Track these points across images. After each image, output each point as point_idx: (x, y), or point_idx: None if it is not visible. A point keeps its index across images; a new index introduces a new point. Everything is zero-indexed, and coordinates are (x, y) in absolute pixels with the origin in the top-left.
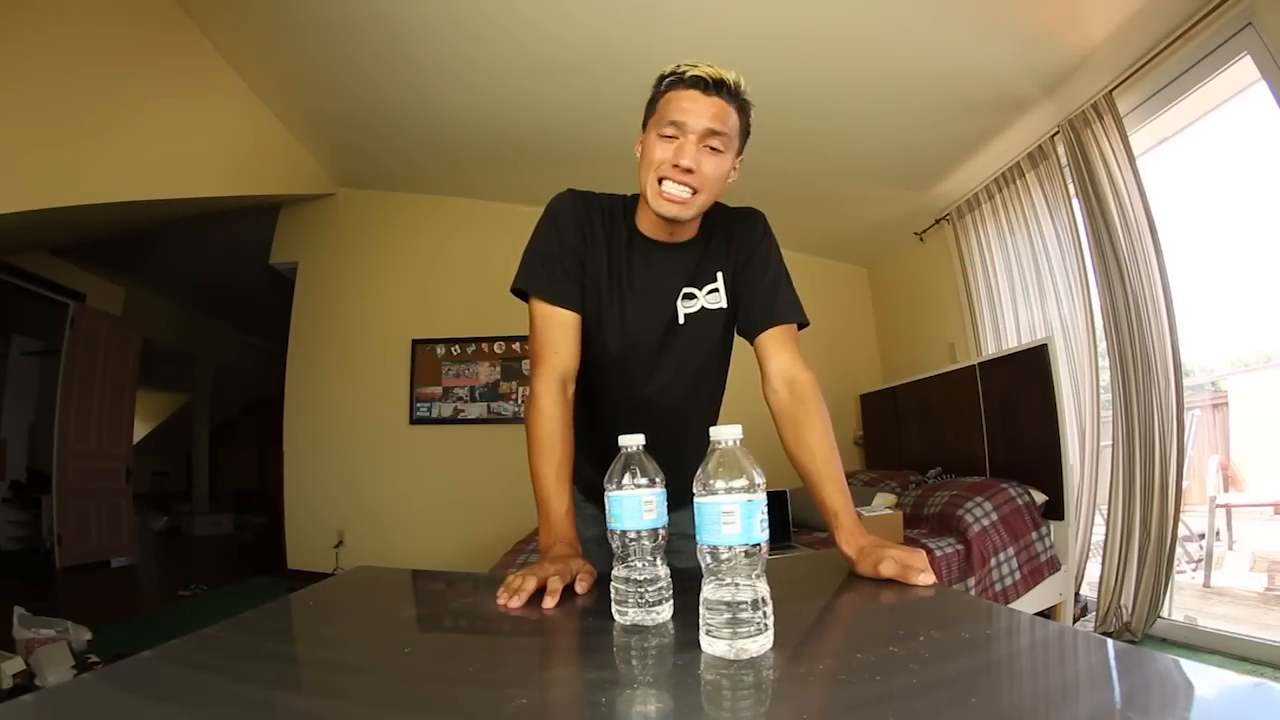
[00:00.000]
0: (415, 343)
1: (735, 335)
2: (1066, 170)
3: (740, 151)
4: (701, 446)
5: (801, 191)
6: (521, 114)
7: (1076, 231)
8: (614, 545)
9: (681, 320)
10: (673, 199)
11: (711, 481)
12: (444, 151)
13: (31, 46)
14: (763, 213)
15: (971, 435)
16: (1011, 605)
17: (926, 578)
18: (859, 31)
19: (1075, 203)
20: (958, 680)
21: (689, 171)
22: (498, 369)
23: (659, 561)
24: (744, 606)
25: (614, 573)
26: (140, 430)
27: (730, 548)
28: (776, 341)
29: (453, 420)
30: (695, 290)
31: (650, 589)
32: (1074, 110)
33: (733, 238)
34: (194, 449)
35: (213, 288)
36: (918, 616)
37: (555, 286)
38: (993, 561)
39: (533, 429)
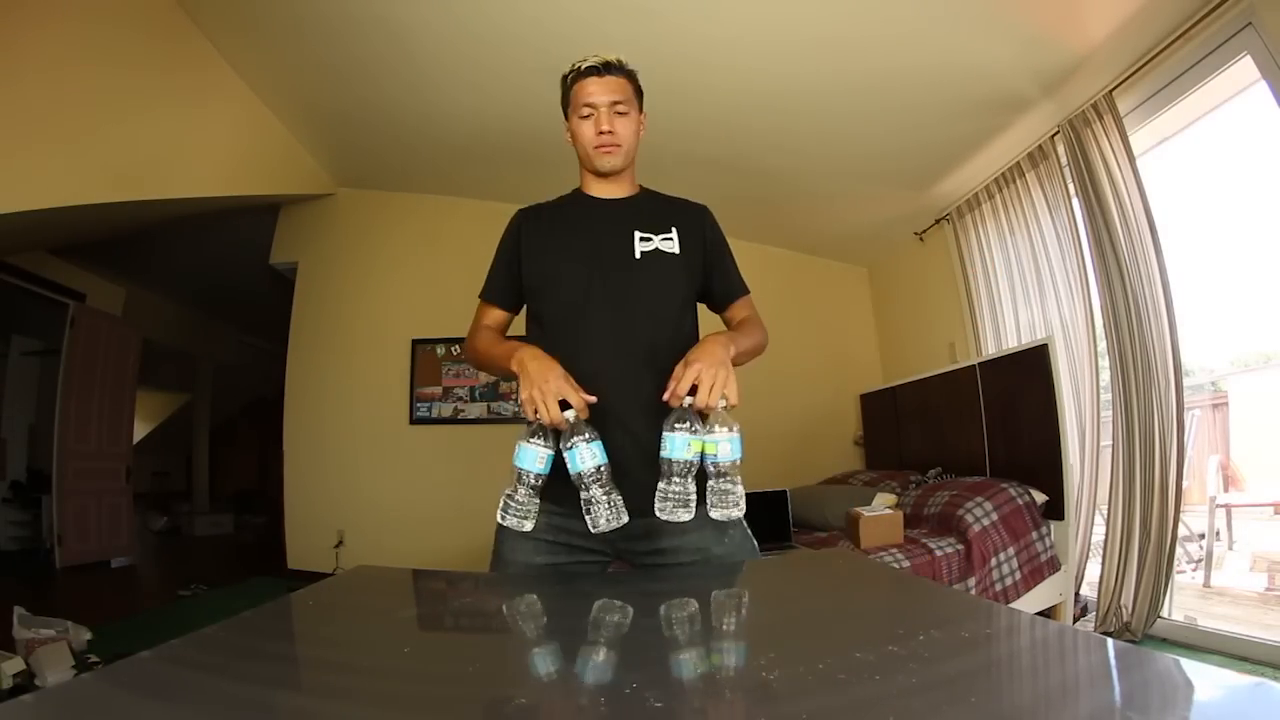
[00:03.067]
0: (415, 343)
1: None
2: (1066, 170)
3: (641, 109)
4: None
5: (802, 191)
6: (523, 113)
7: (1076, 231)
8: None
9: (638, 255)
10: (606, 151)
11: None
12: (445, 151)
13: (31, 46)
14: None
15: (971, 435)
16: (1012, 605)
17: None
18: (859, 32)
19: (1075, 203)
20: (958, 680)
21: (610, 133)
22: None
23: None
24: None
25: (582, 496)
26: (140, 430)
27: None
28: (739, 311)
29: (453, 420)
30: (650, 235)
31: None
32: (1074, 110)
33: (688, 216)
34: (194, 449)
35: (213, 288)
36: (918, 616)
37: (489, 286)
38: (993, 561)
39: (470, 340)
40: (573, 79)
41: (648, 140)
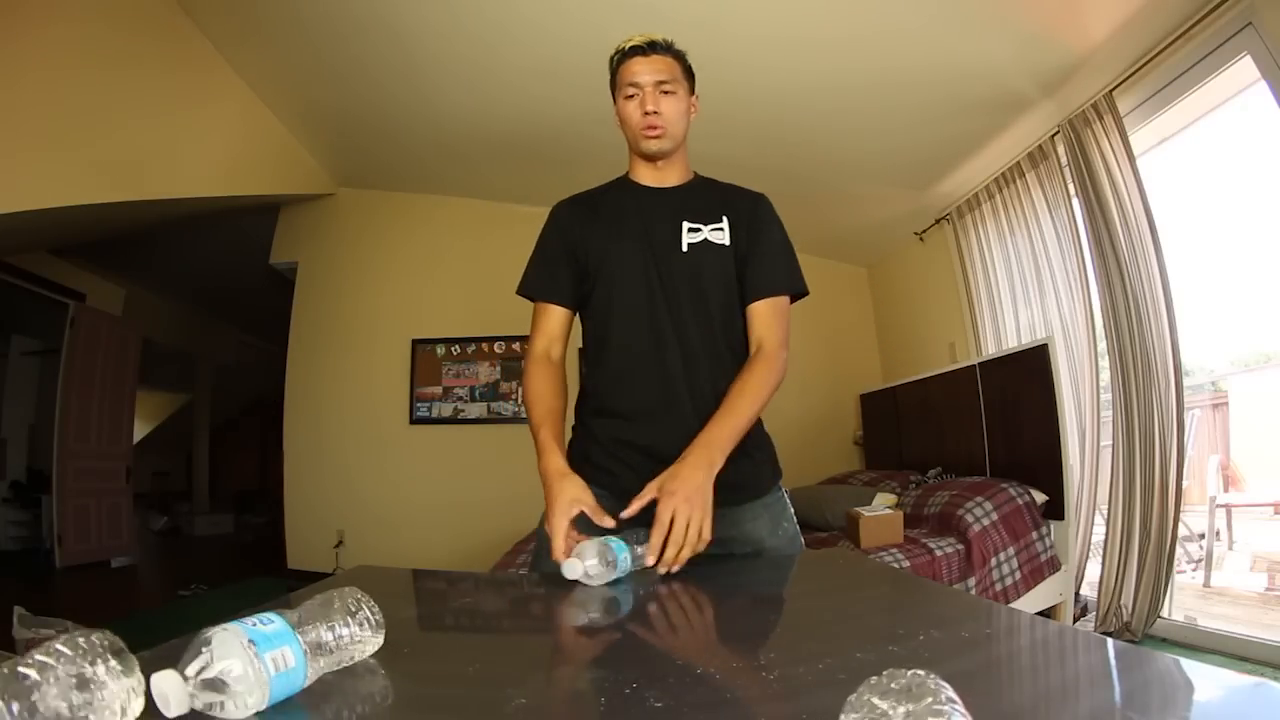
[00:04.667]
0: (415, 343)
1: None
2: (1066, 170)
3: (692, 90)
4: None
5: (802, 191)
6: (523, 113)
7: (1076, 231)
8: None
9: (685, 248)
10: (651, 135)
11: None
12: (444, 151)
13: (32, 46)
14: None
15: (971, 435)
16: (1012, 605)
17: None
18: (858, 31)
19: (1075, 203)
20: (958, 680)
21: (655, 113)
22: (498, 369)
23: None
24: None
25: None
26: (140, 430)
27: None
28: (764, 313)
29: (453, 420)
30: (699, 225)
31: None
32: (1074, 110)
33: (741, 204)
34: (194, 449)
35: (213, 288)
36: (918, 616)
37: (540, 284)
38: (993, 561)
39: (526, 390)
40: (618, 60)
41: None
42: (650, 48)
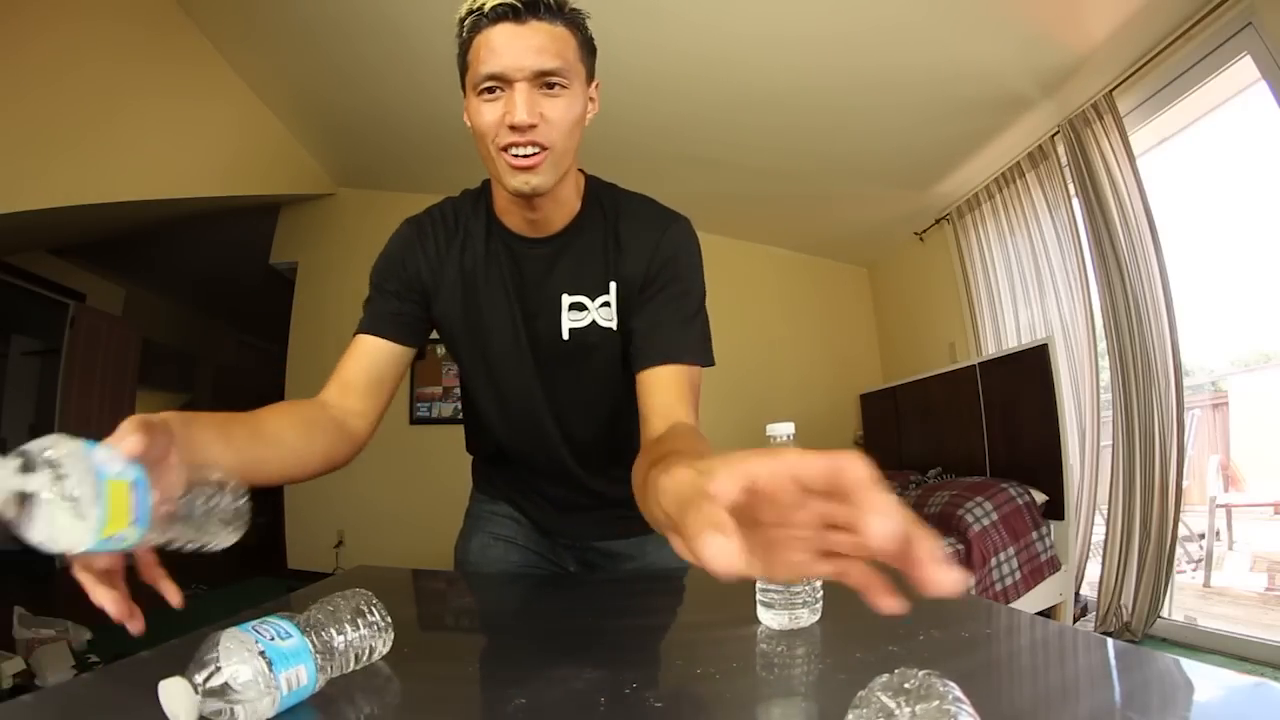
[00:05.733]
0: None
1: None
2: (1066, 170)
3: (591, 76)
4: (621, 492)
5: (802, 191)
6: None
7: (1076, 231)
8: None
9: (566, 335)
10: (521, 166)
11: None
12: (445, 151)
13: (32, 46)
14: (689, 221)
15: (971, 435)
16: (1012, 605)
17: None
18: (858, 31)
19: (1075, 202)
20: (958, 680)
21: (531, 126)
22: None
23: None
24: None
25: None
26: None
27: None
28: (669, 381)
29: (453, 420)
30: (586, 300)
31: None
32: (1074, 110)
33: (637, 256)
34: None
35: (213, 288)
36: (918, 616)
37: (371, 321)
38: (993, 561)
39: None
40: (470, 26)
41: (641, 140)
42: (530, 8)
